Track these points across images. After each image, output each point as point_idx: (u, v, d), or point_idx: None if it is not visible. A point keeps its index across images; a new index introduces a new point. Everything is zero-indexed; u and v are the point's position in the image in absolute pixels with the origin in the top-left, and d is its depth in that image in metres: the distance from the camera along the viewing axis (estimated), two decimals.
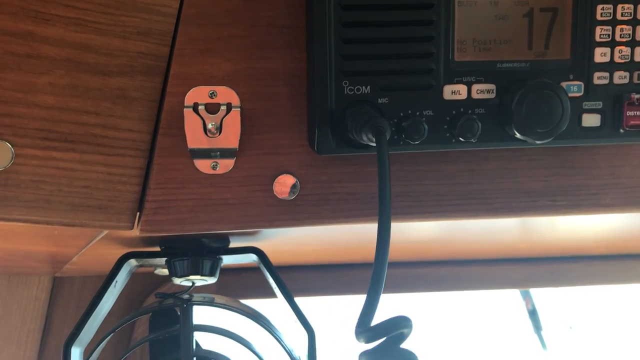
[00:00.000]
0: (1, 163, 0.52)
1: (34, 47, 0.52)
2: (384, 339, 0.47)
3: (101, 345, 0.69)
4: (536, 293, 1.22)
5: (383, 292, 1.08)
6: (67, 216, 0.56)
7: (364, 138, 0.52)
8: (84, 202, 0.56)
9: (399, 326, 0.46)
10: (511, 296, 1.29)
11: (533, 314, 1.21)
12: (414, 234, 0.80)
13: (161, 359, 0.71)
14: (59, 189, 0.55)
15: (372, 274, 0.47)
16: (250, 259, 0.74)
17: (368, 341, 0.46)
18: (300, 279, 0.83)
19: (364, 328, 0.46)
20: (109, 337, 0.68)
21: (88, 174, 0.56)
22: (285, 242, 0.79)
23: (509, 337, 1.45)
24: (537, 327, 1.22)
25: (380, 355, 0.46)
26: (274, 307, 0.80)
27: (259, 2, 0.56)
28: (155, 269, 0.83)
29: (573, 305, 1.44)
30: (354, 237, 0.78)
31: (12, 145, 0.52)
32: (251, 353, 0.69)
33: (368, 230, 0.72)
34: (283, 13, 0.57)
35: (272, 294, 0.93)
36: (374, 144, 0.52)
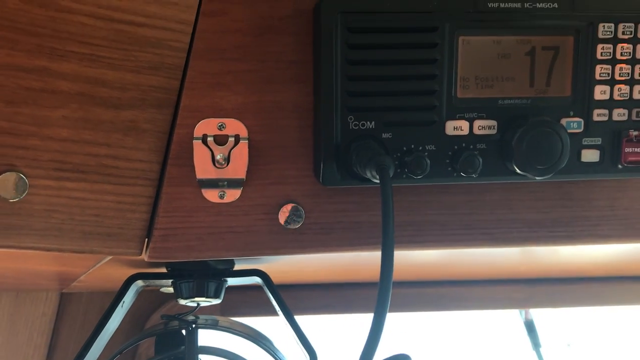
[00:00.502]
0: (16, 194, 0.53)
1: (49, 82, 0.53)
2: None
3: None
4: (535, 311, 1.23)
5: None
6: (77, 244, 0.57)
7: (368, 174, 0.54)
8: (95, 229, 0.58)
9: None
10: (510, 314, 1.31)
11: (531, 330, 1.22)
12: (415, 257, 0.81)
13: None
14: (71, 217, 0.56)
15: (374, 314, 0.49)
16: (254, 281, 0.75)
17: None
18: (302, 297, 0.85)
19: None
20: (114, 359, 0.69)
21: (99, 202, 0.57)
22: (289, 264, 0.81)
23: (507, 354, 1.46)
24: (536, 344, 1.23)
25: None
26: (277, 325, 0.81)
27: (268, 39, 0.58)
28: (160, 288, 0.84)
29: (571, 323, 1.45)
30: (357, 259, 0.80)
31: (25, 177, 0.54)
32: None
33: (372, 253, 0.73)
34: (291, 49, 0.58)
35: (275, 312, 0.95)
36: (377, 181, 0.53)
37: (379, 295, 0.48)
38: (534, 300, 1.03)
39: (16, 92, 0.52)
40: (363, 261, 0.82)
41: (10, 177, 0.53)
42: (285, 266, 0.82)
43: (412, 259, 0.83)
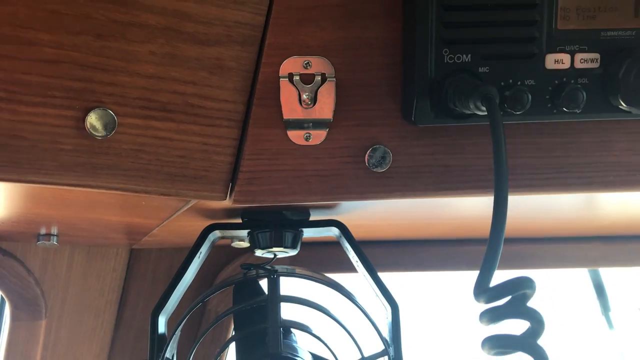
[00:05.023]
0: (105, 132, 0.52)
1: (136, 15, 0.52)
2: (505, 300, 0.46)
3: (187, 316, 0.70)
4: (605, 273, 1.20)
5: (442, 270, 1.05)
6: (163, 185, 0.56)
7: (471, 106, 0.51)
8: (180, 171, 0.56)
9: (521, 286, 0.45)
10: (579, 276, 1.27)
11: (601, 293, 1.19)
12: (483, 211, 0.78)
13: (247, 328, 0.71)
14: (157, 158, 0.55)
15: (490, 237, 0.47)
16: (331, 232, 0.74)
17: (488, 301, 0.46)
18: (372, 254, 0.83)
19: (483, 289, 0.45)
20: (195, 308, 0.69)
21: (185, 143, 0.56)
22: (364, 216, 0.79)
23: (575, 317, 1.43)
24: (605, 307, 1.20)
25: (503, 313, 0.45)
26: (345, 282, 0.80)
27: None
28: (232, 242, 0.83)
29: None
30: (436, 211, 0.78)
31: (114, 114, 0.52)
32: (335, 324, 0.69)
33: (452, 204, 0.71)
34: None
35: (341, 269, 0.93)
36: (482, 113, 0.50)
37: (494, 221, 0.46)
38: (609, 259, 1.00)
39: (105, 25, 0.51)
40: (441, 214, 0.80)
41: (99, 113, 0.52)
42: (358, 219, 0.80)
43: (480, 213, 0.80)
